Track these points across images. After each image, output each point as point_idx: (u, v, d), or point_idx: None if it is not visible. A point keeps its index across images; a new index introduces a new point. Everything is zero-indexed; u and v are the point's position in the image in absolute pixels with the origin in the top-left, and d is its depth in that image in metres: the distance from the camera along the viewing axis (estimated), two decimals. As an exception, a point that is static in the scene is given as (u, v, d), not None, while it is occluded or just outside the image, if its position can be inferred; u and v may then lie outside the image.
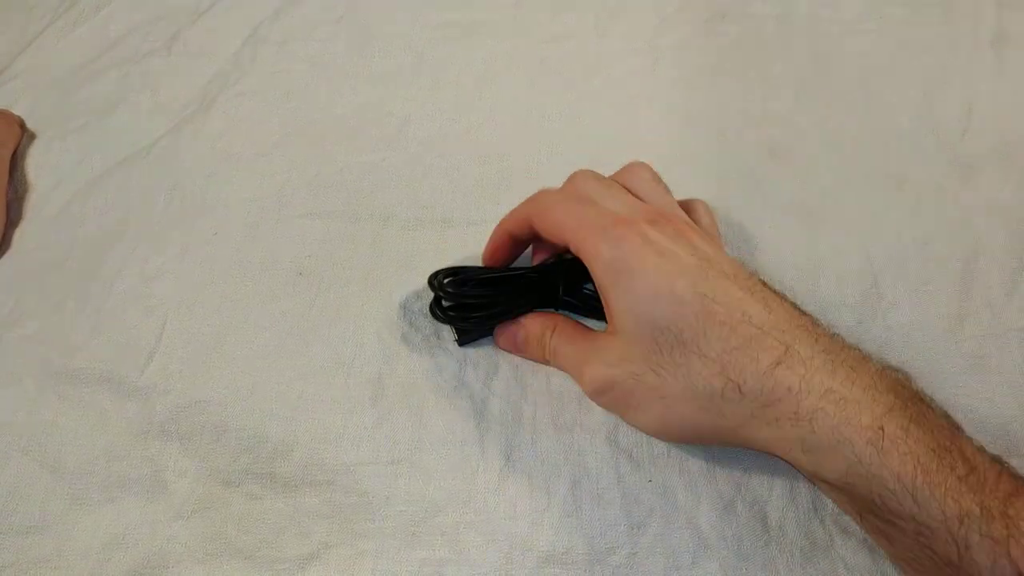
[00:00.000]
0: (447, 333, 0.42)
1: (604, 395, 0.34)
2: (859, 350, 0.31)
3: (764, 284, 0.33)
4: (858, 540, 0.35)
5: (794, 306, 0.33)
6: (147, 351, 0.42)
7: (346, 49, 0.58)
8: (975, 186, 0.47)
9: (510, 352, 0.40)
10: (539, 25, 0.59)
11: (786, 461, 0.32)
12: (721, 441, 0.33)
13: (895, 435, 0.28)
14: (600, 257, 0.32)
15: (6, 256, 0.48)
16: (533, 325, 0.38)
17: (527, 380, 0.40)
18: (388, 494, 0.37)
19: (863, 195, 0.47)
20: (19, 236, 0.49)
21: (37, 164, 0.53)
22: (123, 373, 0.41)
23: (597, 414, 0.39)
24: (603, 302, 0.33)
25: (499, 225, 0.39)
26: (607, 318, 0.34)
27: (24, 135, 0.55)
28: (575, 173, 0.37)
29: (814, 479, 0.31)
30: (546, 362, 0.39)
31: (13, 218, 0.50)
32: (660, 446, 0.38)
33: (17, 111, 0.55)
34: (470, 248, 0.45)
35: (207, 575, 0.35)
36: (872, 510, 0.28)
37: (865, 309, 0.42)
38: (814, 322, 0.32)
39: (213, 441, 0.39)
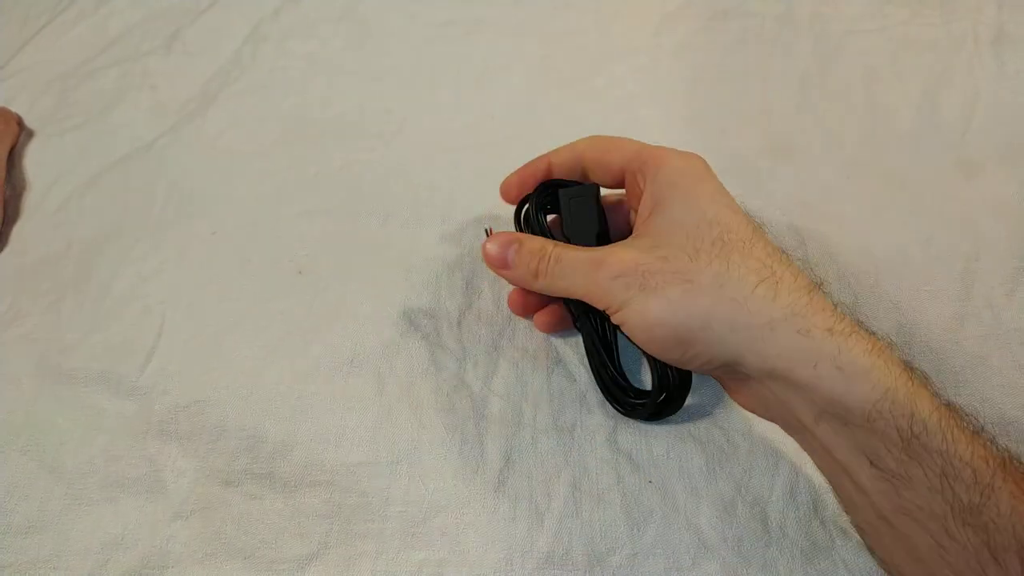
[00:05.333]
0: (447, 329, 0.42)
1: (621, 277, 0.32)
2: None
3: None
4: (859, 541, 0.35)
5: None
6: (145, 350, 0.42)
7: (346, 47, 0.58)
8: (976, 185, 0.47)
9: (494, 267, 0.37)
10: (540, 23, 0.59)
11: (792, 383, 0.29)
12: (723, 351, 0.30)
13: (922, 378, 0.29)
14: (670, 165, 0.34)
15: (3, 254, 0.48)
16: (533, 239, 0.36)
17: (527, 380, 0.40)
18: (388, 495, 0.37)
19: (864, 194, 0.47)
20: (16, 234, 0.49)
21: (35, 162, 0.53)
22: (121, 372, 0.41)
23: (597, 415, 0.39)
24: (643, 201, 0.34)
25: (540, 158, 0.39)
26: (646, 216, 0.34)
27: (22, 132, 0.54)
28: None
29: (823, 413, 0.29)
30: (535, 279, 0.36)
31: (10, 215, 0.49)
32: (660, 447, 0.38)
33: (15, 108, 0.55)
34: (469, 246, 0.45)
35: (206, 575, 0.35)
36: (894, 446, 0.27)
37: (866, 309, 0.41)
38: None
39: (212, 441, 0.39)
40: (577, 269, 0.34)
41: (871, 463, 0.28)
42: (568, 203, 0.38)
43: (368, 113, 0.53)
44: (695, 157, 0.35)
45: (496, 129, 0.52)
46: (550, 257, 0.35)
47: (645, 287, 0.31)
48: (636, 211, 0.36)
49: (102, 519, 0.37)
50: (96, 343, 0.43)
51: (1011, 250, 0.43)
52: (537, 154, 0.51)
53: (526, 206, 0.39)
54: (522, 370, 0.40)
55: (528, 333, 0.42)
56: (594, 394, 0.39)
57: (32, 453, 0.39)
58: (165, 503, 0.37)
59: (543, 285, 0.35)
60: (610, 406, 0.39)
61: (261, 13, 0.61)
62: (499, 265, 0.37)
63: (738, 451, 0.37)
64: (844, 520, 0.35)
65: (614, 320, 0.33)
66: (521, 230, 0.39)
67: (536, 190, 0.39)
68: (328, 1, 0.61)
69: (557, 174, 0.39)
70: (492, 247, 0.36)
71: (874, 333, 0.30)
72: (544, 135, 0.51)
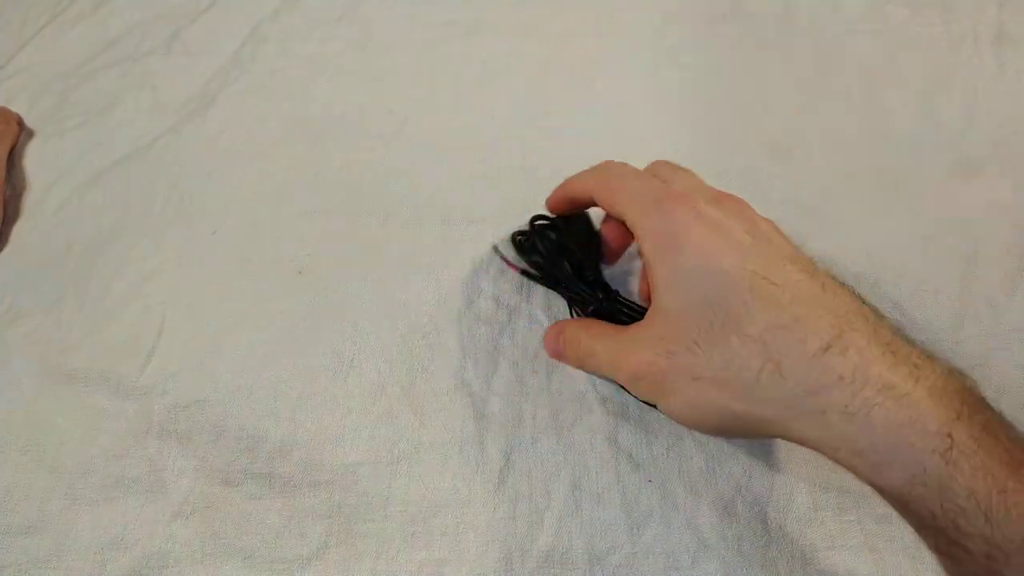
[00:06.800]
0: (447, 329, 0.42)
1: (640, 380, 0.31)
2: (923, 348, 0.28)
3: (827, 272, 0.31)
4: (859, 542, 0.35)
5: (856, 295, 0.29)
6: (146, 350, 0.42)
7: (346, 48, 0.58)
8: (975, 186, 0.47)
9: (555, 358, 0.38)
10: (540, 23, 0.59)
11: (841, 464, 0.27)
12: (760, 433, 0.29)
13: (965, 445, 0.24)
14: (649, 231, 0.31)
15: (3, 254, 0.48)
16: (571, 329, 0.36)
17: (527, 379, 0.40)
18: (388, 494, 0.37)
19: (863, 195, 0.47)
20: (16, 233, 0.49)
21: (35, 161, 0.53)
22: (122, 372, 0.41)
23: (597, 414, 0.39)
24: (650, 282, 0.32)
25: (564, 185, 0.38)
26: (652, 300, 0.32)
27: (22, 132, 0.54)
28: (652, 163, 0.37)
29: (866, 480, 0.27)
30: (581, 366, 0.37)
31: (10, 215, 0.49)
32: (660, 446, 0.38)
33: (15, 108, 0.55)
34: (471, 246, 0.45)
35: (206, 575, 0.35)
36: (934, 527, 0.25)
37: (866, 309, 0.42)
38: (876, 312, 0.29)
39: (212, 441, 0.39)
40: (604, 366, 0.34)
41: (920, 533, 0.26)
42: (548, 246, 0.39)
43: (368, 113, 0.53)
44: (675, 211, 0.31)
45: (496, 129, 0.52)
46: (582, 349, 0.35)
47: (663, 391, 0.31)
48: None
49: (102, 519, 0.37)
50: (96, 343, 0.43)
51: (1010, 250, 0.43)
52: (536, 155, 0.49)
53: (519, 239, 0.42)
54: (522, 370, 0.40)
55: (528, 333, 0.42)
56: (594, 393, 0.39)
57: (32, 453, 0.39)
58: (165, 503, 0.37)
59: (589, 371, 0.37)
60: (610, 405, 0.39)
61: (261, 13, 0.61)
62: (556, 355, 0.38)
63: (738, 451, 0.37)
64: (845, 520, 0.35)
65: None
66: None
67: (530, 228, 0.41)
68: (328, 2, 0.61)
69: (579, 202, 0.38)
70: (549, 336, 0.38)
71: (926, 360, 0.27)
72: (544, 135, 0.51)
